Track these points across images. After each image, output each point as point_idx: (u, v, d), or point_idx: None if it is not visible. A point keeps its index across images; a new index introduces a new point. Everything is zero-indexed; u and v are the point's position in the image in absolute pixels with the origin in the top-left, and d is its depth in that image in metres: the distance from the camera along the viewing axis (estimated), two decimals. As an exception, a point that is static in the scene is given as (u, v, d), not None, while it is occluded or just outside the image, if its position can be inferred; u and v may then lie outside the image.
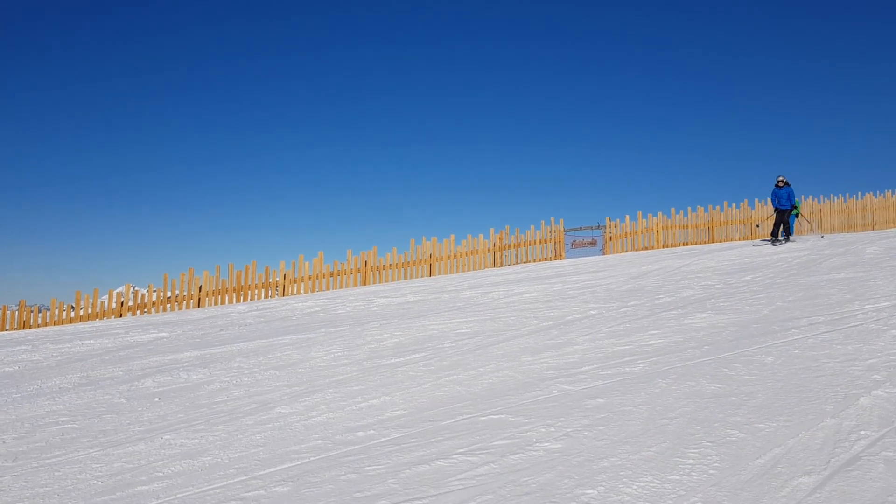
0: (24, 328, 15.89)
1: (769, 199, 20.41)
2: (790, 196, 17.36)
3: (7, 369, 7.84)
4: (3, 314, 16.09)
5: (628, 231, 21.03)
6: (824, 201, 23.25)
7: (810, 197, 23.16)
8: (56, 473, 4.26)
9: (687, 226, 21.60)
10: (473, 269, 19.33)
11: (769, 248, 15.71)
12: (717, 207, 21.98)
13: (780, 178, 17.57)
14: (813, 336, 6.39)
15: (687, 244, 21.17)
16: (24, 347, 9.36)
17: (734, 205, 22.17)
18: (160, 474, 4.10)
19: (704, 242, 21.34)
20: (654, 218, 21.29)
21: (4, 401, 6.24)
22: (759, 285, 9.86)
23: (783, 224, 17.28)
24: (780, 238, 17.21)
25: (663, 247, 20.93)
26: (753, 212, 22.07)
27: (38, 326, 16.05)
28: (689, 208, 21.76)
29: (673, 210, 21.51)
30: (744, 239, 21.43)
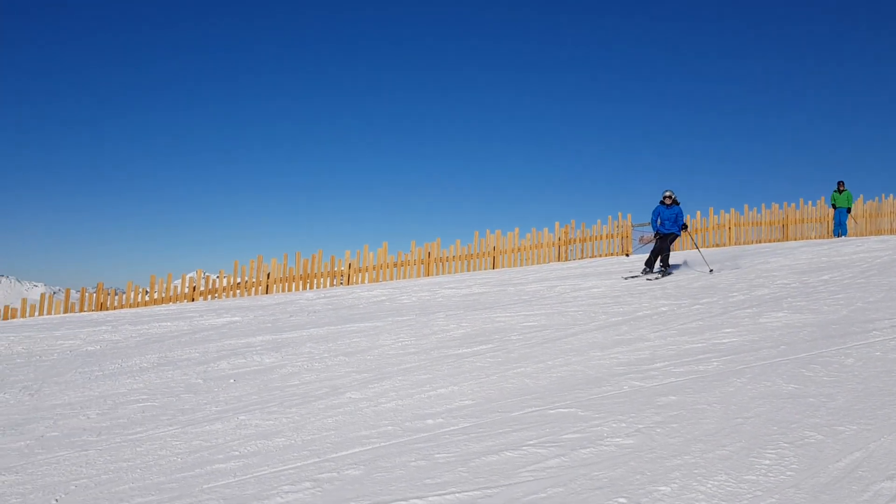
0: (101, 310, 16.50)
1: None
2: (678, 218, 13.71)
3: (89, 348, 8.16)
4: (83, 296, 16.74)
5: (699, 227, 20.58)
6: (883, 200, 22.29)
7: (876, 198, 22.24)
8: (138, 449, 4.42)
9: (760, 223, 21.01)
10: (538, 263, 19.21)
11: (848, 247, 15.08)
12: (793, 205, 21.32)
13: (667, 194, 13.74)
14: (894, 338, 6.15)
15: (760, 242, 20.62)
16: (104, 328, 9.73)
17: (810, 202, 21.48)
18: (236, 453, 4.22)
19: (778, 240, 20.74)
20: (727, 214, 20.78)
21: (87, 378, 6.50)
22: (837, 285, 9.54)
23: (661, 252, 13.59)
24: (655, 270, 13.41)
25: (735, 244, 20.43)
26: (831, 209, 21.33)
27: (115, 308, 16.64)
28: (763, 205, 21.14)
29: (746, 207, 20.96)
30: (819, 238, 20.75)
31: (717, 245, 20.37)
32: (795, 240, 20.66)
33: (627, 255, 18.14)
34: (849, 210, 20.01)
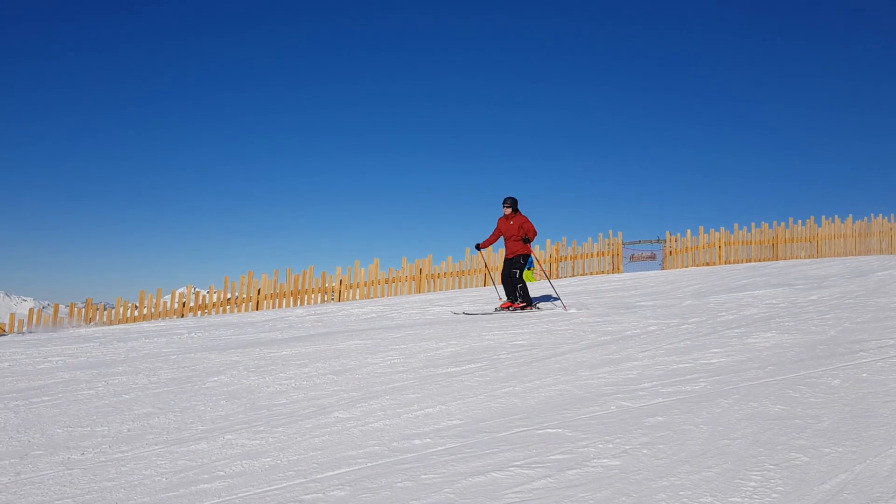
0: (90, 325, 16.42)
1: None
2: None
3: (78, 365, 8.11)
4: (72, 311, 16.67)
5: (689, 246, 20.68)
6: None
7: (865, 218, 22.37)
8: (122, 468, 4.39)
9: (750, 242, 21.13)
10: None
11: (836, 266, 15.16)
12: (783, 224, 21.45)
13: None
14: (882, 359, 6.18)
15: (750, 261, 20.71)
16: (92, 344, 9.67)
17: (800, 222, 21.62)
18: (222, 473, 4.19)
19: (768, 259, 20.84)
20: (717, 233, 20.90)
21: (74, 397, 6.46)
22: (825, 305, 9.58)
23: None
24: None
25: (725, 263, 20.52)
26: (819, 229, 21.46)
27: (104, 324, 16.56)
28: (753, 224, 21.29)
29: (736, 226, 21.11)
30: (810, 257, 20.85)
31: (707, 264, 20.45)
32: (785, 259, 20.77)
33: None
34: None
